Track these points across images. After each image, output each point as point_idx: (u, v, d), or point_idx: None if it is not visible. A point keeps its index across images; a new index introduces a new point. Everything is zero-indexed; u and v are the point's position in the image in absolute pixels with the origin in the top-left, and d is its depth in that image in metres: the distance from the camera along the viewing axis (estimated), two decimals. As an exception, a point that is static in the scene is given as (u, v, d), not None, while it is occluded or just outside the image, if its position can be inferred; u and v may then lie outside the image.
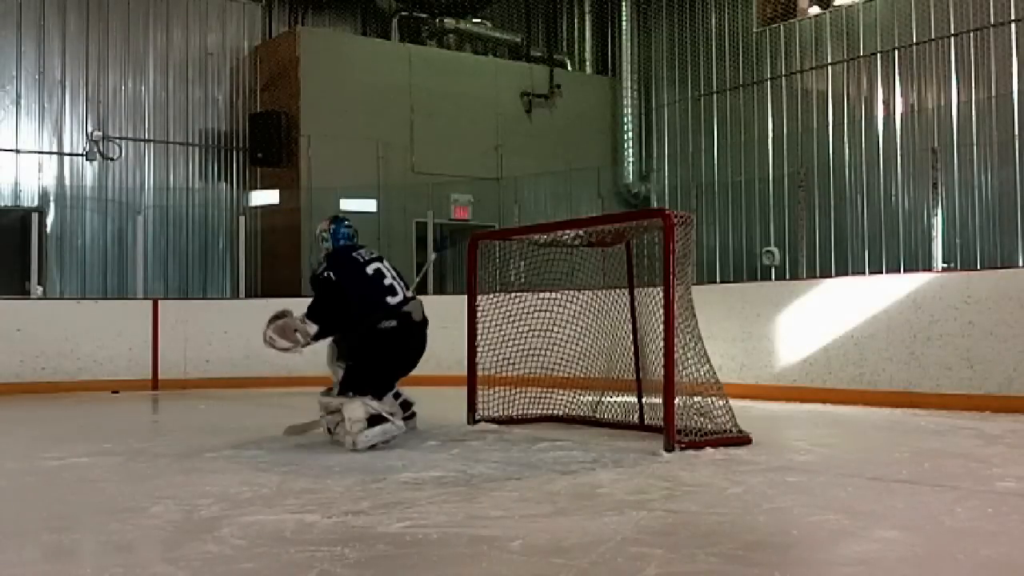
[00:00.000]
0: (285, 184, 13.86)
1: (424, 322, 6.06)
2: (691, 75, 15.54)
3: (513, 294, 7.32)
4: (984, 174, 12.03)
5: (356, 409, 5.56)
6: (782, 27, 14.33)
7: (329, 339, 6.12)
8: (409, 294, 6.12)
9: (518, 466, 4.95)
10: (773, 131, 14.31)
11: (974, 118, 12.11)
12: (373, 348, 5.82)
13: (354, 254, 6.10)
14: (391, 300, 5.94)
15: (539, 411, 7.15)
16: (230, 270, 14.19)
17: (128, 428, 7.36)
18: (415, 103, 14.57)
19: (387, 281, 6.01)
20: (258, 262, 14.10)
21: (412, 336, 5.97)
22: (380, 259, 6.15)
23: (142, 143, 14.11)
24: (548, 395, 7.09)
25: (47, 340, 10.62)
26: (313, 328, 5.73)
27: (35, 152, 13.34)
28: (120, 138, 13.89)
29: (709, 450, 5.40)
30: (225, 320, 11.37)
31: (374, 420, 5.60)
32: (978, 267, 11.35)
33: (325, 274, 5.94)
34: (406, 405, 6.18)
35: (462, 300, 7.24)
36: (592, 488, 4.35)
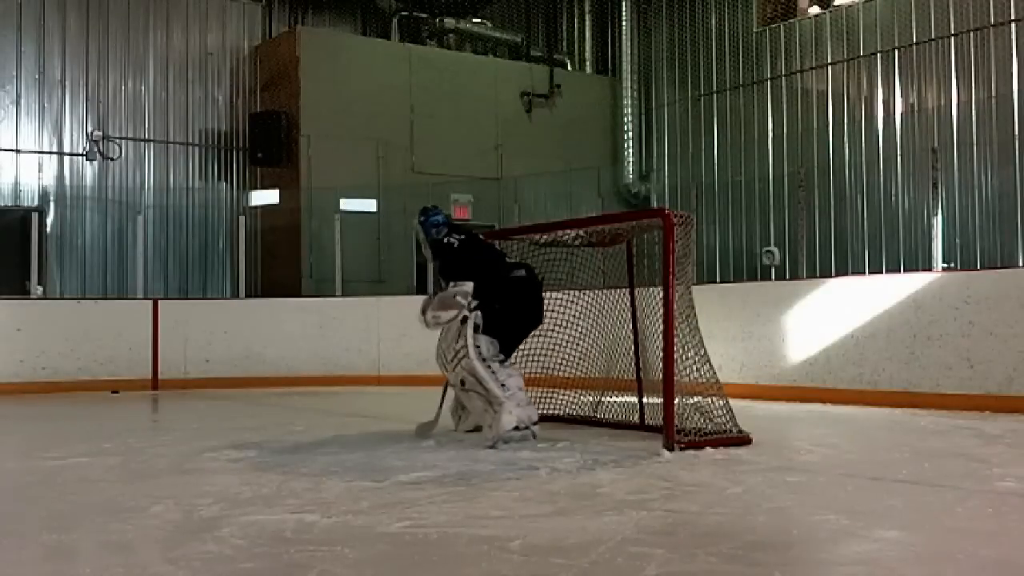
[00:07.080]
0: (285, 184, 13.86)
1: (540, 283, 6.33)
2: (691, 75, 15.54)
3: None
4: (984, 174, 12.02)
5: (510, 421, 5.72)
6: (782, 27, 14.33)
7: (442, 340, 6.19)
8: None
9: (518, 466, 4.94)
10: (773, 131, 14.31)
11: (974, 118, 12.11)
12: (507, 295, 6.05)
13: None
14: (508, 259, 6.43)
15: (539, 411, 7.11)
16: (230, 270, 14.19)
17: (128, 428, 7.35)
18: (415, 103, 14.57)
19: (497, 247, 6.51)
20: (258, 262, 14.11)
21: (537, 288, 6.24)
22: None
23: (142, 143, 14.11)
24: (548, 395, 7.09)
25: (47, 340, 10.62)
26: (468, 285, 5.92)
27: (35, 152, 13.34)
28: (120, 138, 13.89)
29: (709, 450, 5.39)
30: (225, 320, 11.37)
31: (517, 428, 5.80)
32: (978, 267, 11.35)
33: (448, 239, 6.22)
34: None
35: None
36: (592, 488, 4.35)
